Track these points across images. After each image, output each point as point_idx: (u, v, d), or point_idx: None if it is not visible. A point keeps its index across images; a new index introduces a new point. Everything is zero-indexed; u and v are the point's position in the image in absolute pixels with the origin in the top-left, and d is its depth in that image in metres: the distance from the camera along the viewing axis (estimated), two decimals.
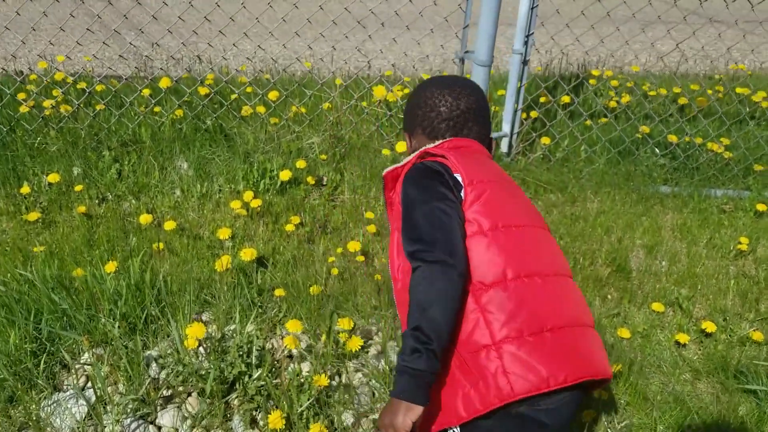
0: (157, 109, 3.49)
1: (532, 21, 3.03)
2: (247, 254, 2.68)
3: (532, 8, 2.99)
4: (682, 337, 2.50)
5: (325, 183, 3.31)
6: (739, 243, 3.07)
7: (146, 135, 3.34)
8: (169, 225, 2.84)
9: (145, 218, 2.92)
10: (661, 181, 3.54)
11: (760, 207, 3.31)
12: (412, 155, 1.51)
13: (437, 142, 1.53)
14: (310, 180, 3.26)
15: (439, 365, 1.26)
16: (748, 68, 5.07)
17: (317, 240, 2.98)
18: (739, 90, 4.23)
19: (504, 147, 3.36)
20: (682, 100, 4.08)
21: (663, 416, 2.18)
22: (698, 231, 3.25)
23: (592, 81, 4.26)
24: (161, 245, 2.78)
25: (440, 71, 4.87)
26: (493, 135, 3.27)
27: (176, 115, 3.49)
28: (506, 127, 3.30)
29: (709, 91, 4.43)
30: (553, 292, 1.37)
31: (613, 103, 4.08)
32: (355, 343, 2.19)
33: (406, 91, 3.69)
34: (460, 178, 1.38)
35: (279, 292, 2.50)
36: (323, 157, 3.26)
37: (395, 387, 1.27)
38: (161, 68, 4.36)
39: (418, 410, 1.25)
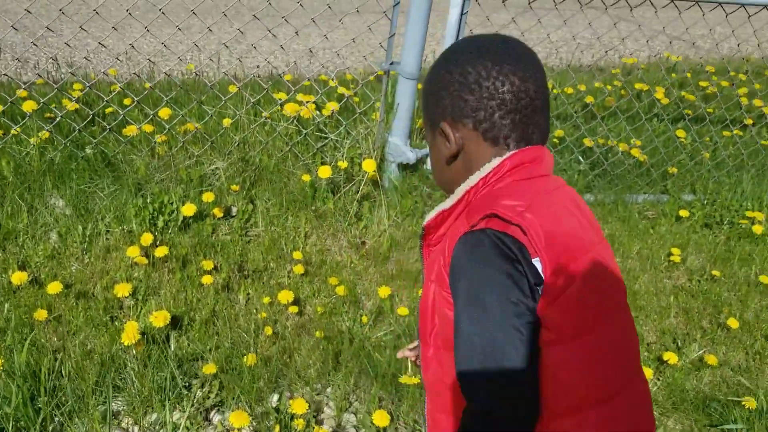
0: (16, 131, 2.86)
1: (462, 28, 2.76)
2: (159, 318, 2.23)
3: (462, 14, 2.71)
4: (647, 372, 2.39)
5: (234, 214, 2.88)
6: (671, 255, 3.04)
7: (8, 169, 2.72)
8: (54, 287, 2.31)
9: (18, 277, 2.37)
10: (583, 188, 3.44)
11: (683, 213, 3.31)
12: (463, 189, 1.05)
13: (503, 156, 1.05)
14: (217, 212, 2.82)
15: None
16: (633, 57, 5.15)
17: (237, 287, 2.57)
18: (637, 86, 4.25)
19: (429, 165, 3.10)
20: (590, 99, 4.02)
21: None
22: (628, 242, 3.18)
23: None
24: (44, 313, 2.25)
25: (360, 81, 4.49)
26: (419, 153, 2.99)
27: (40, 139, 2.88)
28: None
29: (608, 87, 4.43)
30: (634, 414, 1.08)
31: None
32: None
33: (323, 105, 3.30)
34: (540, 266, 0.96)
35: (208, 368, 2.09)
36: (235, 188, 2.83)
37: None
38: (22, 80, 3.64)
39: None
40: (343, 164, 2.86)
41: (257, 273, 2.67)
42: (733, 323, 2.65)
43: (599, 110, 3.95)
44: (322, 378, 2.24)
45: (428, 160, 3.10)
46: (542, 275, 0.96)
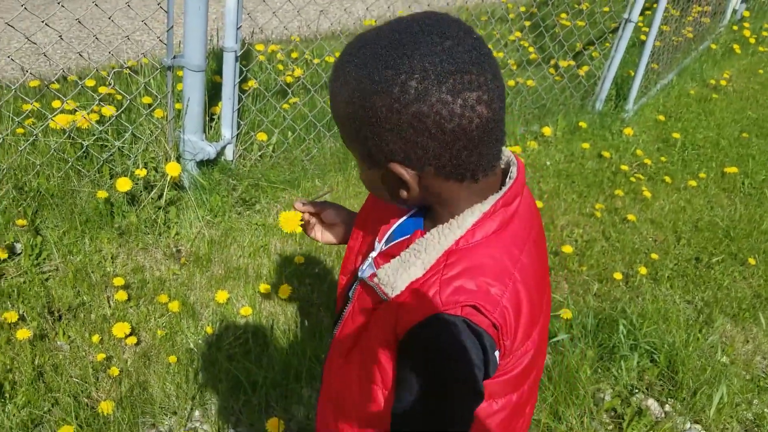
0: None
1: (239, 13, 2.66)
2: None
3: None
4: None
5: (20, 252, 2.50)
6: None
7: None
8: None
9: None
10: None
11: None
12: (436, 253, 0.89)
13: (477, 201, 0.90)
14: (1, 254, 2.42)
15: None
16: (373, 20, 5.39)
17: (53, 334, 2.26)
18: None
19: (229, 155, 2.97)
20: None
21: None
22: None
23: (261, 57, 4.03)
24: None
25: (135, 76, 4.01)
26: (218, 146, 2.87)
27: None
28: (227, 133, 2.91)
29: None
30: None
31: (289, 78, 3.94)
32: None
33: (99, 110, 2.93)
34: (498, 356, 0.90)
35: (65, 431, 1.84)
36: (21, 222, 2.43)
37: None
38: None
39: None
40: (141, 172, 2.62)
41: (72, 311, 2.37)
42: None
43: None
44: (188, 403, 2.10)
45: (227, 151, 2.97)
46: (497, 363, 0.92)
